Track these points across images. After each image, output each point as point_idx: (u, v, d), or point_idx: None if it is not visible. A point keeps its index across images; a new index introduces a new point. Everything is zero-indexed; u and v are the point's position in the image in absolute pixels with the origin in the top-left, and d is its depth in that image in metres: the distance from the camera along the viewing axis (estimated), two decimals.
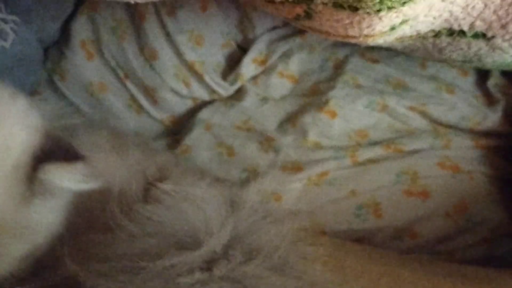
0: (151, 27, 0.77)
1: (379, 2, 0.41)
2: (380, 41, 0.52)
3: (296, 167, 0.71)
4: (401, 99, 0.75)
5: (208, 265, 0.48)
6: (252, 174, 0.73)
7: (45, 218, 0.46)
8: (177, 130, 0.81)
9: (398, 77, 0.77)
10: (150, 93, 0.79)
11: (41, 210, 0.45)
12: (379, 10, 0.42)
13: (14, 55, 0.69)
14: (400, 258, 0.61)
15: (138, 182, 0.60)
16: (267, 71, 0.80)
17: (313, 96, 0.78)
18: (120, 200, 0.56)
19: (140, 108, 0.80)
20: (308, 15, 0.50)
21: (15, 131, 0.44)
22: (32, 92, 0.76)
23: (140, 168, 0.63)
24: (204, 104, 0.80)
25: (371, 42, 0.50)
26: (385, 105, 0.75)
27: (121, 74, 0.79)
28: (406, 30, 0.50)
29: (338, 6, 0.44)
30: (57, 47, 0.79)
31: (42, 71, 0.77)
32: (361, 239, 0.66)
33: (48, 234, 0.47)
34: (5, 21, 0.67)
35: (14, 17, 0.68)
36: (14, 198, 0.43)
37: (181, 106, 0.81)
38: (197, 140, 0.77)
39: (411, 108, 0.74)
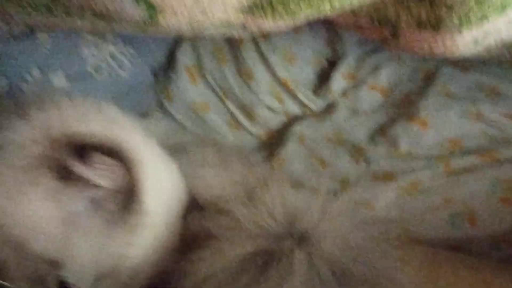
0: (247, 50, 0.84)
1: (458, 22, 0.43)
2: (465, 54, 0.53)
3: (387, 177, 0.73)
4: (495, 106, 0.75)
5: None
6: (344, 184, 0.76)
7: None
8: (272, 144, 0.86)
9: (491, 84, 0.77)
10: (247, 111, 0.86)
11: None
12: (460, 28, 0.44)
13: (129, 82, 0.79)
14: (495, 268, 0.61)
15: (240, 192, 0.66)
16: (357, 84, 0.83)
17: (403, 107, 0.80)
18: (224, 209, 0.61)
19: (238, 125, 0.86)
20: (395, 36, 0.53)
21: None
22: (144, 114, 0.86)
23: (242, 179, 0.69)
24: (297, 119, 0.85)
25: (456, 56, 0.52)
26: (479, 113, 0.75)
27: (221, 94, 0.86)
28: (490, 42, 0.51)
29: (422, 26, 0.47)
30: (164, 72, 0.88)
31: (152, 94, 0.86)
32: (456, 247, 0.67)
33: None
34: (123, 53, 0.77)
35: (130, 49, 0.78)
36: None
37: (275, 121, 0.86)
38: (291, 153, 0.82)
39: (506, 115, 0.74)
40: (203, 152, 0.70)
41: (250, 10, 0.50)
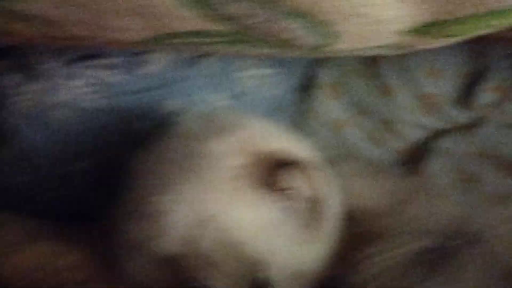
0: (388, 66, 0.85)
1: None
2: None
3: None
4: None
5: None
6: (495, 199, 0.74)
7: None
8: (413, 159, 0.86)
9: None
10: (388, 126, 0.87)
11: None
12: None
13: (274, 102, 0.84)
14: None
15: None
16: (506, 97, 0.81)
17: None
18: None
19: (379, 140, 0.88)
20: None
21: None
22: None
23: (391, 191, 0.71)
24: (440, 133, 0.85)
25: None
26: None
27: (362, 110, 0.88)
28: None
29: None
30: (305, 90, 0.92)
31: (294, 112, 0.91)
32: None
33: None
34: (269, 75, 0.83)
35: (275, 70, 0.84)
36: None
37: (417, 136, 0.86)
38: (436, 167, 0.81)
39: None
40: (351, 165, 0.73)
41: (426, 31, 0.52)
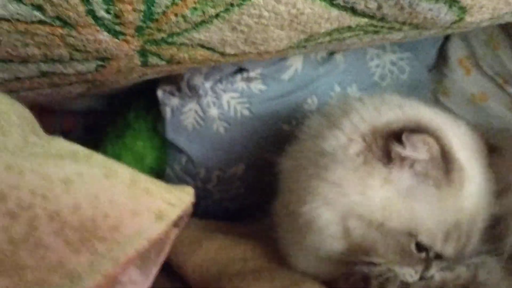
0: None
1: None
2: None
3: None
4: None
5: None
6: None
7: None
8: None
9: None
10: None
11: None
12: None
13: (409, 83, 0.85)
14: None
15: None
16: None
17: None
18: None
19: None
20: None
21: None
22: None
23: None
24: None
25: None
26: None
27: (500, 81, 0.85)
28: None
29: None
30: (438, 68, 0.91)
31: (428, 91, 0.90)
32: None
33: None
34: (401, 58, 0.83)
35: (407, 54, 0.84)
36: None
37: None
38: None
39: None
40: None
41: None
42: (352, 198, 0.54)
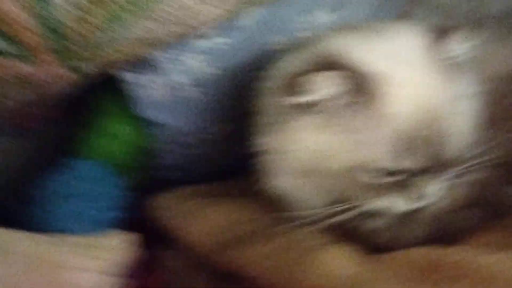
0: None
1: None
2: None
3: None
4: None
5: None
6: None
7: None
8: None
9: None
10: None
11: None
12: None
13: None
14: None
15: None
16: None
17: None
18: None
19: None
20: None
21: None
22: None
23: None
24: None
25: None
26: None
27: None
28: None
29: None
30: None
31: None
32: None
33: None
34: None
35: None
36: None
37: None
38: None
39: None
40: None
41: None
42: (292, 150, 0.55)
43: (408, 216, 0.56)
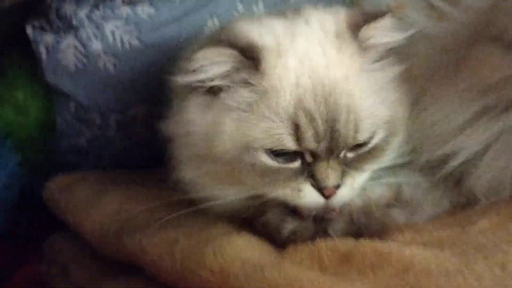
0: None
1: None
2: None
3: None
4: None
5: None
6: None
7: None
8: None
9: None
10: None
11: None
12: None
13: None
14: None
15: None
16: None
17: None
18: None
19: (442, 15, 0.79)
20: None
21: None
22: None
23: None
24: None
25: None
26: None
27: None
28: None
29: None
30: None
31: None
32: None
33: None
34: None
35: None
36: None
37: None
38: None
39: None
40: None
41: None
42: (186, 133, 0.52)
43: (320, 212, 0.52)
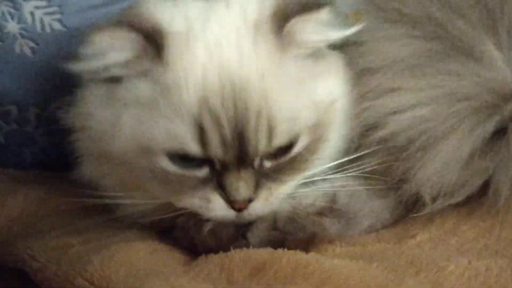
0: None
1: None
2: None
3: None
4: None
5: None
6: None
7: None
8: None
9: None
10: None
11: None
12: None
13: None
14: None
15: None
16: None
17: None
18: None
19: None
20: None
21: None
22: None
23: None
24: None
25: None
26: None
27: None
28: None
29: None
30: None
31: None
32: None
33: None
34: None
35: None
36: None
37: None
38: None
39: None
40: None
41: None
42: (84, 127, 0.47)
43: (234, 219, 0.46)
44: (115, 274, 0.39)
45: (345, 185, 0.49)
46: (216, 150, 0.42)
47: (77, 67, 0.44)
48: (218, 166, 0.43)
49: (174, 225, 0.49)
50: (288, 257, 0.39)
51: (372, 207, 0.49)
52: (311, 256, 0.40)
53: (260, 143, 0.43)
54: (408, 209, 0.48)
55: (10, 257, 0.49)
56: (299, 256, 0.40)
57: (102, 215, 0.50)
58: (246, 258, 0.41)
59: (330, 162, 0.48)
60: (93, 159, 0.48)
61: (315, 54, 0.47)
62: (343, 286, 0.35)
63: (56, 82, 0.61)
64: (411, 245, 0.43)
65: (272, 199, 0.45)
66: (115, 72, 0.43)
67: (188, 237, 0.47)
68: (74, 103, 0.48)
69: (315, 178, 0.48)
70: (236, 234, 0.46)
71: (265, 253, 0.41)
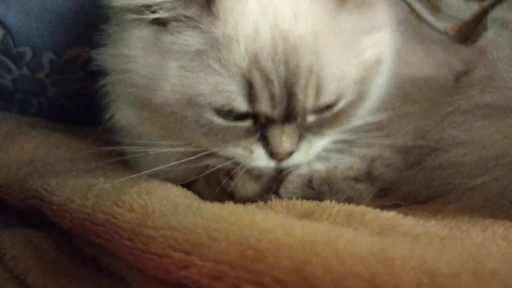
0: None
1: None
2: None
3: None
4: None
5: None
6: None
7: None
8: (463, 39, 0.74)
9: None
10: (432, 3, 0.74)
11: None
12: None
13: None
14: None
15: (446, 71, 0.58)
16: None
17: None
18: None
19: (420, 20, 0.76)
20: None
21: None
22: None
23: (446, 60, 0.60)
24: (494, 4, 0.72)
25: None
26: None
27: None
28: None
29: None
30: None
31: None
32: None
33: None
34: None
35: None
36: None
37: (466, 12, 0.74)
38: (493, 40, 0.69)
39: None
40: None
41: None
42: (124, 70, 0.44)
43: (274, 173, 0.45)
44: (157, 204, 0.36)
45: (382, 155, 0.48)
46: (264, 106, 0.41)
47: (122, 1, 0.41)
48: (263, 120, 0.42)
49: (195, 181, 0.47)
50: (338, 207, 0.38)
51: (411, 173, 0.48)
52: (363, 207, 0.38)
53: (308, 101, 0.42)
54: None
55: (20, 194, 0.46)
56: (350, 207, 0.38)
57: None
58: (291, 206, 0.39)
59: (368, 117, 0.47)
60: (131, 104, 0.45)
61: (366, 3, 0.45)
62: (408, 233, 0.34)
63: (75, 27, 0.59)
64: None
65: (311, 151, 0.44)
66: (162, 14, 0.41)
67: (214, 190, 0.45)
68: (111, 44, 0.44)
69: (352, 137, 0.47)
70: (268, 188, 0.44)
71: (308, 204, 0.39)
